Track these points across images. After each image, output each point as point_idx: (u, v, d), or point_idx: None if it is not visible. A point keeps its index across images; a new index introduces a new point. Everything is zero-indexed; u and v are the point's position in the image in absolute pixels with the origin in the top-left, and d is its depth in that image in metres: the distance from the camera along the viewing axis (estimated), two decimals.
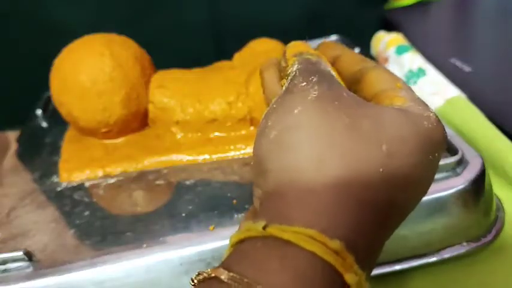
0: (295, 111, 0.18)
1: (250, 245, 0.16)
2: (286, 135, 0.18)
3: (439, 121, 0.19)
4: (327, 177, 0.16)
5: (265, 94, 0.25)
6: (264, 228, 0.16)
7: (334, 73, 0.22)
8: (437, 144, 0.18)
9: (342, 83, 0.22)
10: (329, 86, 0.19)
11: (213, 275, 0.16)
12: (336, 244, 0.15)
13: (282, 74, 0.25)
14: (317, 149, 0.17)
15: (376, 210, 0.17)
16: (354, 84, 0.23)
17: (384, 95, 0.20)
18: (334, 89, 0.19)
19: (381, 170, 0.17)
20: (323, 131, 0.17)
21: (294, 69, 0.21)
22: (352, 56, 0.24)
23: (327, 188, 0.16)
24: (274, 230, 0.16)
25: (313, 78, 0.19)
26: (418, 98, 0.20)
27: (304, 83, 0.19)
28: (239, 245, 0.17)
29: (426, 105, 0.20)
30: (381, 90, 0.21)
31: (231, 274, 0.15)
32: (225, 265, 0.16)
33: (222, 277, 0.15)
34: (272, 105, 0.20)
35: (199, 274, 0.16)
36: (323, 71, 0.21)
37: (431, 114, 0.19)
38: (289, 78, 0.21)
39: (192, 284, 0.16)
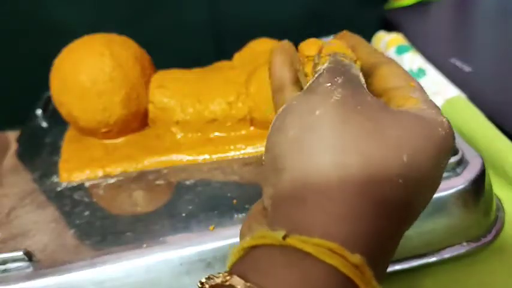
0: (317, 112, 0.17)
1: (266, 254, 0.16)
2: (306, 135, 0.17)
3: (450, 127, 0.19)
4: (347, 184, 0.16)
5: (270, 78, 0.24)
6: (284, 238, 0.16)
7: (363, 79, 0.21)
8: (449, 150, 0.19)
9: None
10: (353, 89, 0.19)
11: (227, 283, 0.15)
12: (356, 258, 0.15)
13: (298, 72, 0.24)
14: (338, 154, 0.16)
15: (393, 219, 0.17)
16: (366, 76, 0.22)
17: (396, 93, 0.20)
18: (358, 93, 0.18)
19: (400, 181, 0.16)
20: (345, 136, 0.17)
21: (324, 67, 0.21)
22: (368, 49, 0.24)
23: (347, 196, 0.16)
24: (294, 241, 0.15)
25: (338, 80, 0.19)
26: (430, 100, 0.20)
27: (329, 84, 0.19)
28: (252, 250, 0.16)
29: (438, 108, 0.20)
30: (393, 87, 0.21)
31: (248, 284, 0.15)
32: (239, 272, 0.15)
33: (239, 287, 0.15)
34: (292, 101, 0.19)
35: (210, 278, 0.16)
36: (351, 73, 0.20)
37: (444, 120, 0.19)
38: (316, 75, 0.20)
39: (200, 286, 0.16)
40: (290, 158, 0.17)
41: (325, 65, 0.21)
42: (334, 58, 0.21)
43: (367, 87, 0.20)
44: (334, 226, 0.16)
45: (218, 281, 0.15)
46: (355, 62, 0.22)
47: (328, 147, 0.17)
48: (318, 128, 0.17)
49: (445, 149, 0.18)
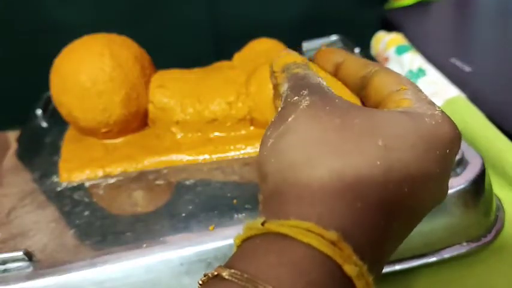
0: (289, 119, 0.19)
1: (250, 243, 0.17)
2: (280, 140, 0.18)
3: (445, 118, 0.19)
4: (320, 172, 0.17)
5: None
6: (263, 224, 0.16)
7: (323, 82, 0.22)
8: (445, 140, 0.18)
9: (343, 88, 0.22)
10: (320, 95, 0.20)
11: (215, 273, 0.16)
12: (332, 235, 0.15)
13: (274, 91, 0.25)
14: (309, 148, 0.17)
15: (378, 204, 0.17)
16: (360, 90, 0.23)
17: (389, 100, 0.20)
18: (325, 97, 0.20)
19: (378, 162, 0.17)
20: (315, 133, 0.18)
21: (285, 88, 0.22)
22: (354, 62, 0.24)
23: (321, 182, 0.16)
24: (271, 225, 0.16)
25: (303, 92, 0.20)
26: (426, 98, 0.20)
27: (296, 97, 0.20)
28: (242, 244, 0.17)
29: (433, 104, 0.19)
30: (386, 94, 0.21)
31: (232, 271, 0.15)
32: (228, 264, 0.16)
33: (224, 274, 0.15)
34: (272, 120, 0.20)
35: (204, 275, 0.17)
36: (313, 84, 0.21)
37: (436, 112, 0.19)
38: (283, 98, 0.21)
39: (200, 284, 0.17)
40: (270, 163, 0.18)
41: (286, 85, 0.22)
42: (290, 74, 0.23)
43: (364, 100, 0.21)
44: (310, 208, 0.16)
45: (209, 274, 0.16)
46: (307, 65, 0.23)
47: (300, 145, 0.18)
48: (291, 132, 0.18)
49: (438, 138, 0.18)
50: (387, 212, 0.17)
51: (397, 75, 0.22)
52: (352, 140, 0.17)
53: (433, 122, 0.18)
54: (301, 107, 0.19)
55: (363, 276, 0.15)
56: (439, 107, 0.19)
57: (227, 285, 0.15)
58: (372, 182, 0.16)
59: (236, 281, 0.15)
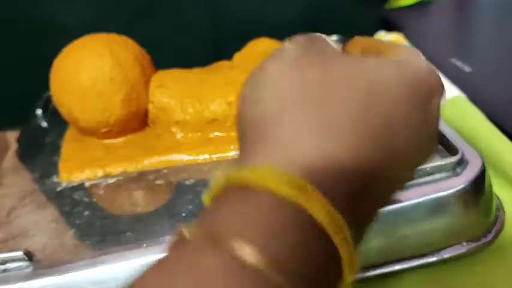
0: (271, 66, 0.19)
1: (213, 202, 0.15)
2: (261, 85, 0.18)
3: (430, 68, 0.18)
4: (288, 114, 0.16)
5: None
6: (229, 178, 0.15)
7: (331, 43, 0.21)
8: (429, 89, 0.18)
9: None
10: (309, 40, 0.20)
11: (177, 237, 0.15)
12: (294, 176, 0.14)
13: None
14: (275, 88, 0.17)
15: (352, 146, 0.15)
16: None
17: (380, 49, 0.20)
18: (314, 43, 0.19)
19: (360, 105, 0.16)
20: (294, 81, 0.17)
21: None
22: (376, 44, 0.23)
23: (286, 125, 0.16)
24: (233, 176, 0.15)
25: (293, 39, 0.20)
26: (416, 52, 0.19)
27: (286, 44, 0.20)
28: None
29: (420, 56, 0.19)
30: (381, 48, 0.20)
31: (192, 228, 0.14)
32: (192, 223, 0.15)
33: (185, 234, 0.14)
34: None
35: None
36: (313, 35, 0.21)
37: (422, 61, 0.19)
38: None
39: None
40: (244, 111, 0.18)
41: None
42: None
43: None
44: (272, 150, 0.15)
45: (190, 236, 0.15)
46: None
47: (268, 87, 0.17)
48: (268, 78, 0.18)
49: (422, 90, 0.17)
50: (364, 156, 0.15)
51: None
52: (333, 83, 0.17)
53: (417, 69, 0.18)
54: (286, 55, 0.19)
55: (336, 223, 0.14)
56: (423, 58, 0.19)
57: (189, 245, 0.14)
58: (348, 123, 0.16)
59: (195, 237, 0.14)
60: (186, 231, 0.14)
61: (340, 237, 0.14)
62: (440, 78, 0.19)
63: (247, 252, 0.13)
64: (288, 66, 0.18)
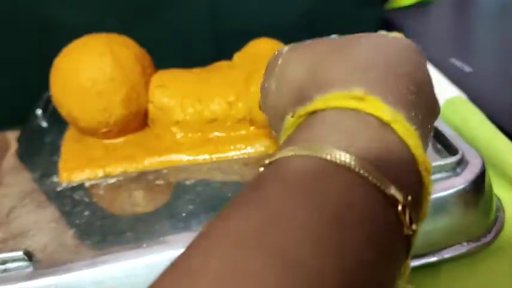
0: (279, 62, 0.21)
1: (294, 132, 0.18)
2: (282, 77, 0.20)
3: (401, 36, 0.23)
4: (330, 68, 0.19)
5: None
6: (292, 116, 0.18)
7: None
8: (407, 46, 0.22)
9: None
10: (298, 42, 0.22)
11: (280, 156, 0.16)
12: (357, 91, 0.17)
13: None
14: (310, 63, 0.19)
15: (388, 73, 0.18)
16: None
17: None
18: (302, 42, 0.22)
19: (372, 50, 0.19)
20: (307, 55, 0.20)
21: None
22: None
23: (336, 73, 0.18)
24: (300, 111, 0.18)
25: (284, 47, 0.22)
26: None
27: (278, 51, 0.22)
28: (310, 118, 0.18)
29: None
30: None
31: (307, 145, 0.16)
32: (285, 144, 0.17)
33: (303, 153, 0.15)
34: (264, 74, 0.23)
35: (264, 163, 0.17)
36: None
37: (394, 34, 0.22)
38: None
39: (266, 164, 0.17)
40: (282, 94, 0.20)
41: None
42: None
43: None
44: (331, 89, 0.18)
45: (280, 155, 0.16)
46: None
47: (301, 67, 0.20)
48: (286, 67, 0.20)
49: (401, 46, 0.21)
50: (400, 81, 0.18)
51: None
52: (342, 45, 0.20)
53: (395, 37, 0.22)
54: (284, 52, 0.21)
55: (400, 122, 0.16)
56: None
57: (293, 161, 0.15)
58: (373, 59, 0.19)
59: (305, 153, 0.15)
60: (302, 151, 0.15)
61: (412, 139, 0.16)
62: (412, 41, 0.23)
63: (343, 156, 0.15)
64: (294, 50, 0.21)
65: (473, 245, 0.31)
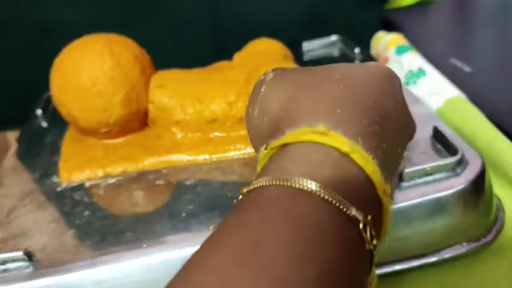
0: (262, 90, 0.22)
1: (264, 168, 0.20)
2: (263, 103, 0.22)
3: (378, 63, 0.24)
4: (304, 102, 0.20)
5: None
6: (266, 148, 0.20)
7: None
8: (384, 74, 0.23)
9: None
10: (281, 68, 0.24)
11: (254, 187, 0.18)
12: (320, 127, 0.19)
13: None
14: (289, 93, 0.21)
15: (353, 108, 0.20)
16: None
17: None
18: (285, 68, 0.24)
19: (342, 86, 0.21)
20: (289, 84, 0.22)
21: None
22: None
23: (298, 108, 0.20)
24: (273, 143, 0.20)
25: (268, 72, 0.24)
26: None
27: (262, 76, 0.24)
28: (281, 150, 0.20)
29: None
30: None
31: (269, 177, 0.18)
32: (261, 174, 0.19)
33: (275, 183, 0.17)
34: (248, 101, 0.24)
35: (241, 192, 0.19)
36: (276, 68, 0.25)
37: (370, 62, 0.24)
38: None
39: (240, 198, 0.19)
40: (262, 122, 0.22)
41: None
42: None
43: None
44: (301, 122, 0.20)
45: (257, 185, 0.18)
46: None
47: (281, 97, 0.21)
48: (268, 94, 0.22)
49: (378, 75, 0.22)
50: (364, 114, 0.20)
51: None
52: (317, 79, 0.22)
53: (371, 65, 0.23)
54: (268, 79, 0.23)
55: (358, 153, 0.18)
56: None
57: (268, 190, 0.17)
58: (340, 96, 0.20)
59: (277, 182, 0.17)
60: (275, 180, 0.17)
61: (369, 166, 0.18)
62: (389, 68, 0.24)
63: (310, 184, 0.17)
64: (277, 79, 0.23)
65: (473, 245, 0.31)
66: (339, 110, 0.20)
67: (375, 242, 0.18)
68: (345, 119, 0.19)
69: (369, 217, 0.17)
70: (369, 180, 0.19)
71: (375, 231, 0.18)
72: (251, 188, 0.18)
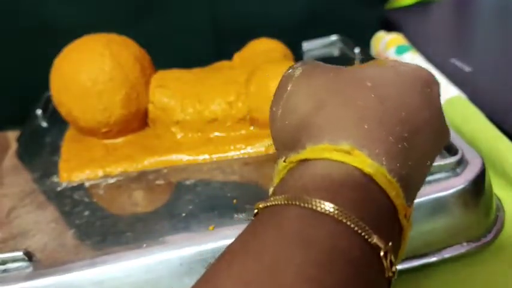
0: (288, 88, 0.21)
1: (279, 185, 0.19)
2: (287, 104, 0.21)
3: (418, 66, 0.22)
4: (328, 109, 0.19)
5: None
6: (284, 161, 0.19)
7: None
8: (423, 79, 0.21)
9: None
10: (311, 63, 0.22)
11: (271, 203, 0.17)
12: (344, 145, 0.18)
13: None
14: (314, 97, 0.20)
15: (379, 123, 0.19)
16: None
17: None
18: (315, 63, 0.22)
19: (373, 95, 0.19)
20: (314, 87, 0.20)
21: None
22: None
23: (325, 117, 0.19)
24: (293, 157, 0.19)
25: (296, 65, 0.22)
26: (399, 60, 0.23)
27: (290, 70, 0.22)
28: (300, 165, 0.19)
29: (406, 62, 0.22)
30: None
31: (287, 195, 0.17)
32: (290, 191, 0.18)
33: (294, 202, 0.17)
34: (273, 98, 0.23)
35: (256, 208, 0.18)
36: (306, 59, 0.24)
37: (409, 64, 0.22)
38: None
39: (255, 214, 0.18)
40: (285, 126, 0.21)
41: None
42: None
43: None
44: (322, 135, 0.19)
45: (274, 202, 0.17)
46: None
47: (305, 99, 0.20)
48: (293, 94, 0.21)
49: (417, 81, 0.21)
50: (392, 131, 0.19)
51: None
52: (344, 83, 0.20)
53: (408, 68, 0.21)
54: (295, 75, 0.21)
55: (382, 175, 0.17)
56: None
57: (284, 209, 0.17)
58: (369, 108, 0.19)
59: (296, 203, 0.17)
60: (276, 200, 0.17)
61: (392, 190, 0.18)
62: (429, 72, 0.22)
63: (329, 207, 0.16)
64: (306, 77, 0.21)
65: (473, 245, 0.31)
66: (366, 126, 0.18)
67: (394, 269, 0.17)
68: (371, 137, 0.18)
69: (390, 244, 0.17)
70: (391, 204, 0.18)
71: (395, 255, 0.17)
72: (268, 204, 0.18)
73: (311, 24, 0.58)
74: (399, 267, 0.30)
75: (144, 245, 0.29)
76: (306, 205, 0.16)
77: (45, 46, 0.42)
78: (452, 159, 0.30)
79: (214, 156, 0.36)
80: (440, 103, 0.22)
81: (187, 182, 0.34)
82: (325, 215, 0.16)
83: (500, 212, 0.33)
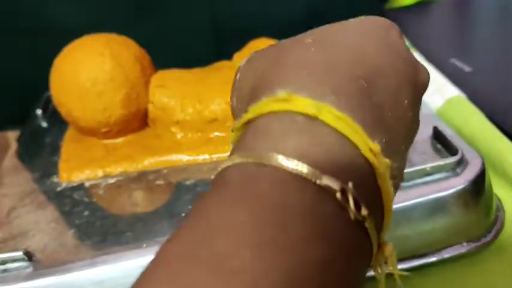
0: (237, 77, 0.22)
1: (244, 135, 0.17)
2: (239, 91, 0.21)
3: (375, 16, 0.22)
4: (296, 59, 0.18)
5: None
6: (232, 131, 0.18)
7: None
8: (375, 24, 0.21)
9: None
10: (257, 50, 0.22)
11: (229, 164, 0.16)
12: (280, 94, 0.16)
13: None
14: (255, 73, 0.20)
15: (324, 68, 0.18)
16: None
17: None
18: (260, 50, 0.22)
19: (312, 49, 0.18)
20: (255, 68, 0.21)
21: None
22: None
23: (290, 64, 0.18)
24: (253, 110, 0.17)
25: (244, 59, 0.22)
26: None
27: (240, 63, 0.23)
28: (252, 123, 0.17)
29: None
30: None
31: (240, 153, 0.16)
32: (241, 148, 0.16)
33: (236, 161, 0.15)
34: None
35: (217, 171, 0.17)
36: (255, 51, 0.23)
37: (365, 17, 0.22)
38: None
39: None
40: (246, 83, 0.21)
41: None
42: None
43: None
44: (292, 84, 0.17)
45: (220, 168, 0.16)
46: None
47: (249, 79, 0.20)
48: (241, 82, 0.22)
49: (375, 25, 0.21)
50: (341, 71, 0.18)
51: None
52: (285, 49, 0.19)
53: (359, 20, 0.21)
54: (242, 64, 0.22)
55: (329, 112, 0.16)
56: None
57: (229, 170, 0.15)
58: (309, 58, 0.18)
59: (245, 161, 0.15)
60: (235, 159, 0.15)
61: (345, 125, 0.16)
62: (387, 20, 0.22)
63: (271, 157, 0.15)
64: (248, 62, 0.22)
65: (473, 245, 0.31)
66: (305, 72, 0.17)
67: (364, 211, 0.15)
68: (313, 80, 0.17)
69: (350, 184, 0.15)
70: (345, 141, 0.16)
71: (365, 198, 0.15)
72: (215, 175, 0.16)
73: (311, 24, 0.58)
74: (399, 266, 0.30)
75: (144, 245, 0.29)
76: (246, 160, 0.15)
77: (45, 46, 0.42)
78: (452, 159, 0.30)
79: (214, 156, 0.36)
80: (403, 45, 0.20)
81: (187, 182, 0.34)
82: (265, 166, 0.15)
83: (500, 212, 0.33)
